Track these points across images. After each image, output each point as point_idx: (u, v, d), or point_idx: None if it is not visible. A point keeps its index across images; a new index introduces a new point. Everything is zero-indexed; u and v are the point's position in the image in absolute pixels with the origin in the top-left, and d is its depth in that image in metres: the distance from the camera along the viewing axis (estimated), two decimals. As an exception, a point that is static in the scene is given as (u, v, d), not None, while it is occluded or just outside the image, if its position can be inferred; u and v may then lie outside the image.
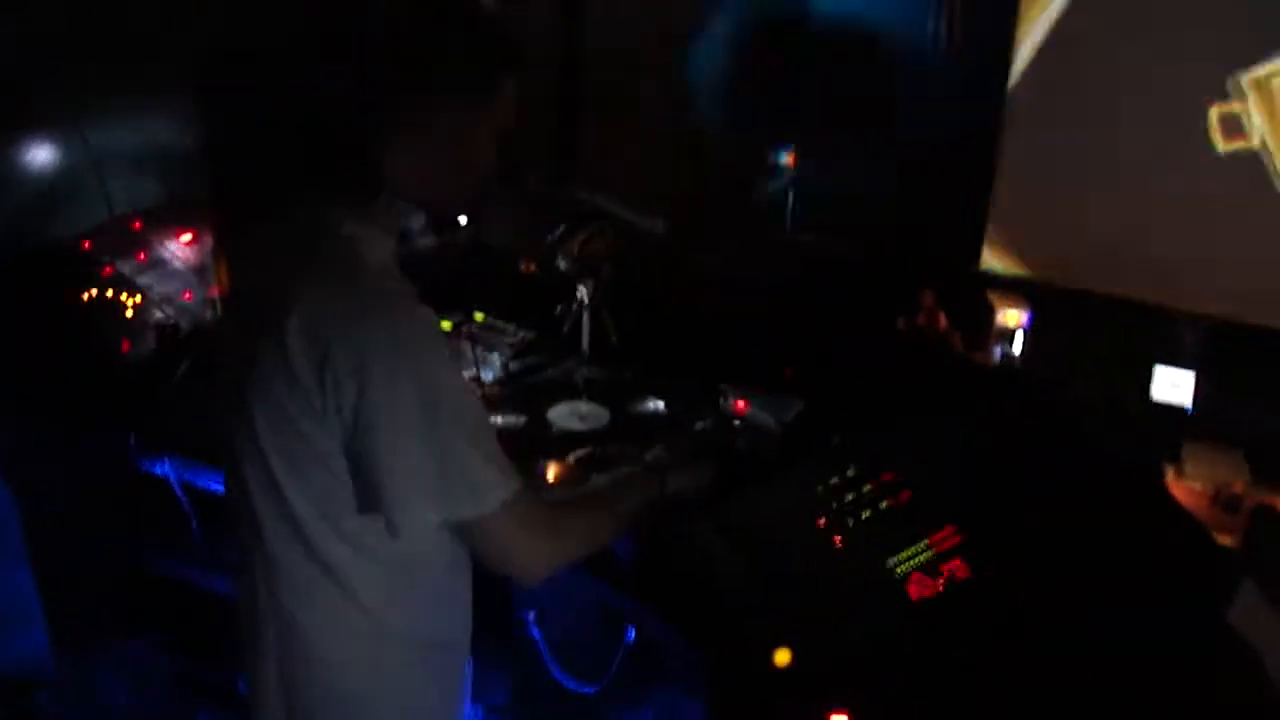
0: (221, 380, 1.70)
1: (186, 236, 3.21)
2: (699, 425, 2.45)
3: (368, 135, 1.56)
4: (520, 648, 2.33)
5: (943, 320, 5.58)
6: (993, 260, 5.76)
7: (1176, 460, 5.50)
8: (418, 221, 1.65)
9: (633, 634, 2.17)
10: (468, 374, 2.62)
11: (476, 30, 1.59)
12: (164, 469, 2.74)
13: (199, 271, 3.17)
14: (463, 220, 2.66)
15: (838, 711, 1.69)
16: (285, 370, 1.48)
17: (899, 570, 1.88)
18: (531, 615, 2.30)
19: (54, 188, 3.19)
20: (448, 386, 1.52)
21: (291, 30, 1.76)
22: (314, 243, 1.56)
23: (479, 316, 2.85)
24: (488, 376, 2.70)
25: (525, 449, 2.35)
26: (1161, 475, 5.30)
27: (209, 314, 3.04)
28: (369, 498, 1.53)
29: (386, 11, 1.56)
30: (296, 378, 1.48)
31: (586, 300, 2.54)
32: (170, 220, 3.24)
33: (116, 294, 3.01)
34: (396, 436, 1.47)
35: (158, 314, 3.04)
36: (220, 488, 2.68)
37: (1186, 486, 5.36)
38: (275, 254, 1.62)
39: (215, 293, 3.08)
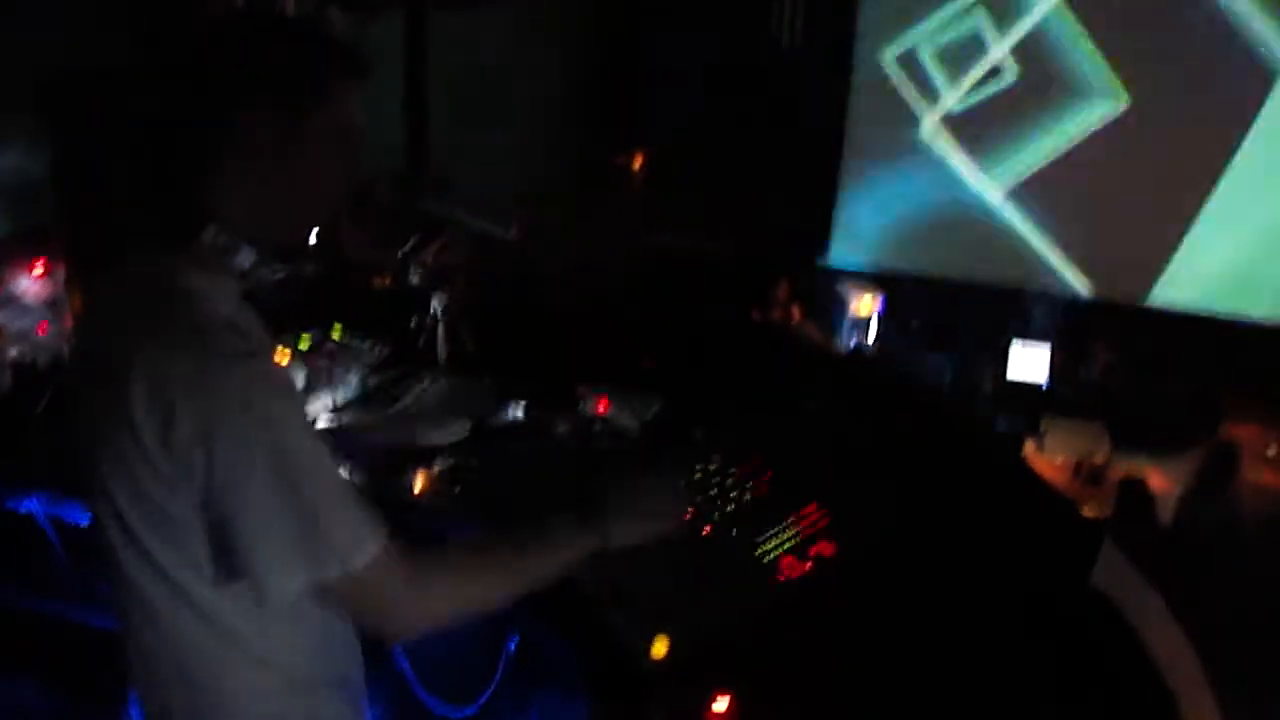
0: (71, 440, 1.59)
1: (38, 269, 3.12)
2: (560, 429, 2.44)
3: (181, 163, 1.48)
4: (390, 681, 2.29)
5: (797, 311, 5.69)
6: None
7: (1037, 435, 5.66)
8: (247, 259, 1.51)
9: (514, 643, 2.16)
10: (327, 393, 2.58)
11: (294, 37, 1.50)
12: (30, 505, 2.66)
13: (53, 304, 3.09)
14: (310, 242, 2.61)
15: (721, 694, 1.71)
16: (134, 444, 1.41)
17: (769, 554, 1.91)
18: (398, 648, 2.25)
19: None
20: (299, 447, 1.44)
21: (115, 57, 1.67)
22: (152, 298, 1.47)
23: (336, 333, 2.81)
24: (346, 393, 2.66)
25: (389, 463, 2.32)
26: (1022, 450, 5.44)
27: (66, 347, 2.96)
28: (230, 567, 1.45)
29: (194, 27, 1.50)
30: (146, 451, 1.40)
31: (441, 311, 2.53)
32: (20, 252, 3.15)
33: (-33, 332, 2.93)
34: (250, 503, 1.40)
35: (13, 351, 2.96)
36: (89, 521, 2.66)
37: (1048, 460, 5.51)
38: (113, 309, 1.53)
39: (70, 324, 2.99)
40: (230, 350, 1.41)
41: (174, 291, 1.46)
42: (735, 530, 1.98)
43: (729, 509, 2.02)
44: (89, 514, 1.61)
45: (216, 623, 1.52)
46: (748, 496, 2.05)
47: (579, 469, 2.22)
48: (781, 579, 1.88)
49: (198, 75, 1.45)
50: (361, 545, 1.44)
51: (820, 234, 6.48)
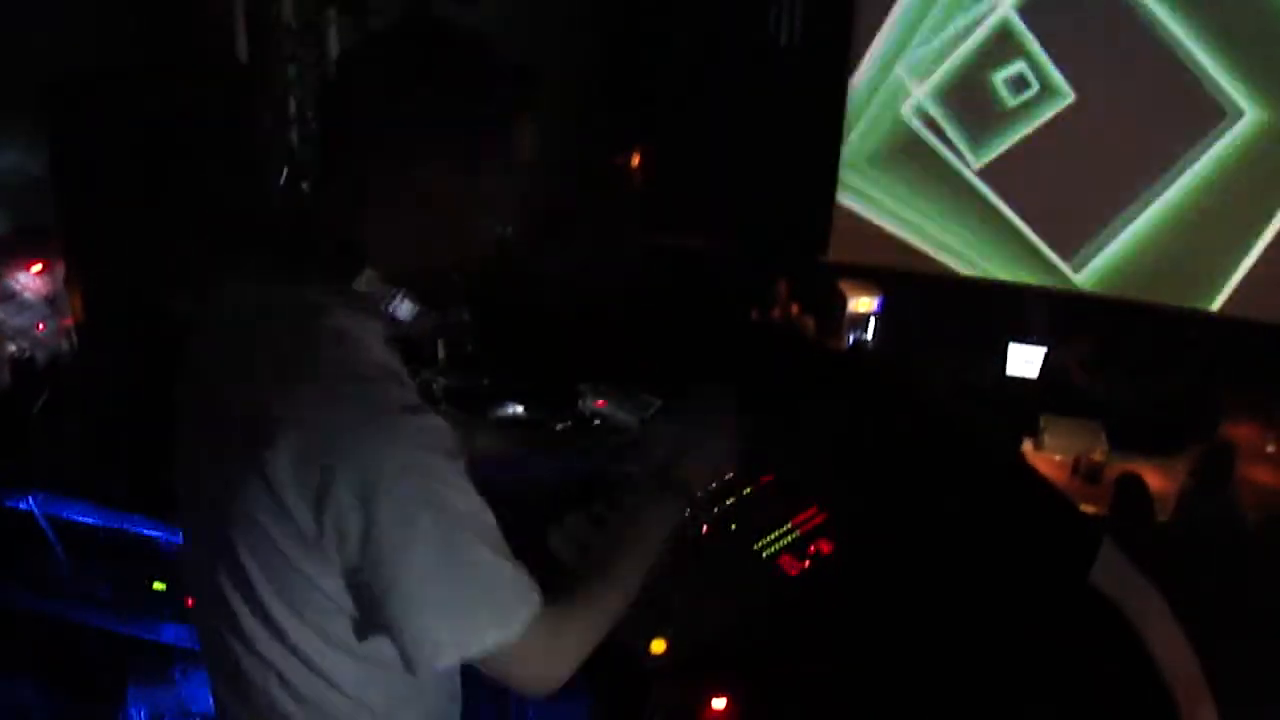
0: (183, 473, 1.52)
1: (37, 266, 3.12)
2: (559, 427, 2.43)
3: (344, 203, 1.39)
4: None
5: (796, 310, 5.69)
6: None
7: (1035, 433, 5.67)
8: (401, 306, 1.41)
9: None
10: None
11: (471, 73, 1.38)
12: (28, 504, 2.66)
13: (51, 301, 3.09)
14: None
15: (718, 696, 1.70)
16: (270, 498, 1.30)
17: (767, 552, 1.90)
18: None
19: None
20: (462, 515, 1.32)
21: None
22: (298, 337, 1.35)
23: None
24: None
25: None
26: (1020, 448, 5.46)
27: (64, 344, 2.96)
28: (378, 629, 1.36)
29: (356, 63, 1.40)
30: (287, 511, 1.30)
31: (440, 310, 2.52)
32: (18, 251, 3.15)
33: (-34, 330, 2.95)
34: (407, 576, 1.30)
35: (11, 347, 2.98)
36: (88, 520, 2.65)
37: (1046, 458, 5.53)
38: (249, 342, 1.40)
39: (69, 322, 3.00)
40: (396, 404, 1.31)
41: (328, 334, 1.35)
42: (734, 528, 1.97)
43: (728, 506, 2.01)
44: (183, 538, 1.57)
45: (316, 668, 1.44)
46: (746, 494, 2.04)
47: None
48: (780, 577, 1.87)
49: (372, 125, 1.37)
50: (517, 613, 1.34)
51: (820, 234, 6.50)
